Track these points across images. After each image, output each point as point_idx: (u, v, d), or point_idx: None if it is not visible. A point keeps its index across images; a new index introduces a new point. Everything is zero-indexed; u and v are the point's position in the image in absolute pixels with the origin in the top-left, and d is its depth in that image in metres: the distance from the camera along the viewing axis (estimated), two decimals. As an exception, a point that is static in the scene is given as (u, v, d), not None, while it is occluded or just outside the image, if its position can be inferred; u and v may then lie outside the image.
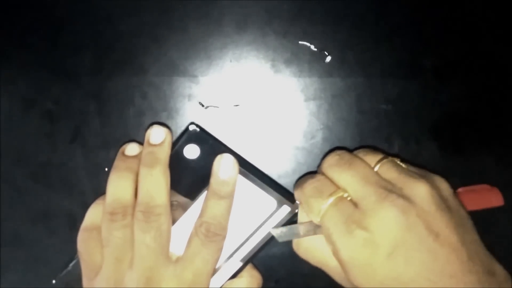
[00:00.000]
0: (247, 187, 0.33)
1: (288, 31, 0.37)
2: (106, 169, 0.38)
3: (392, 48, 0.37)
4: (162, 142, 0.32)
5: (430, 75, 0.37)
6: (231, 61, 0.37)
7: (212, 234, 0.31)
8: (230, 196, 0.32)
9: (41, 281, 0.39)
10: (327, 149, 0.38)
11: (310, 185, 0.30)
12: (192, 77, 0.37)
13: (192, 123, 0.36)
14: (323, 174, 0.31)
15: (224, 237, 0.32)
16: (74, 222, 0.38)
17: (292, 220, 0.33)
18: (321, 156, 0.38)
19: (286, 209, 0.33)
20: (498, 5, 0.37)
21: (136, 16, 0.37)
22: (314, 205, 0.29)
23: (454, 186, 0.38)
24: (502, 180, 0.38)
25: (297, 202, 0.33)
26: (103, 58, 0.37)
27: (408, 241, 0.26)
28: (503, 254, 0.38)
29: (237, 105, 0.38)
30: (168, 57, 0.37)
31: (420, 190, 0.28)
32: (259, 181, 0.33)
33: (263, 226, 0.33)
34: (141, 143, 0.38)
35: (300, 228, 0.31)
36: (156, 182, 0.31)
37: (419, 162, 0.37)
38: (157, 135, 0.32)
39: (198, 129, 0.32)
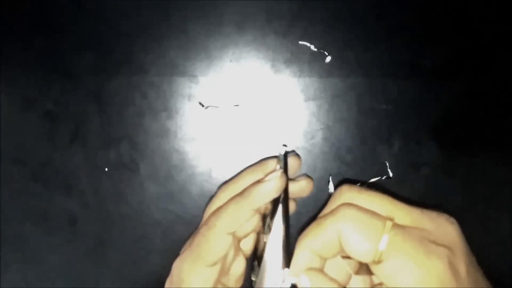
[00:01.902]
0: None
1: (288, 31, 0.37)
2: (106, 169, 0.38)
3: (392, 48, 0.37)
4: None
5: (430, 75, 0.37)
6: (231, 61, 0.37)
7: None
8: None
9: (41, 281, 0.39)
10: (327, 149, 0.38)
11: (352, 217, 0.25)
12: (192, 77, 0.37)
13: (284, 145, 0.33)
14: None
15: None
16: (74, 222, 0.38)
17: None
18: (321, 156, 0.38)
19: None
20: (498, 5, 0.37)
21: (136, 16, 0.37)
22: (370, 236, 0.24)
23: (455, 187, 0.38)
24: (502, 180, 0.38)
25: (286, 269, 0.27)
26: (103, 58, 0.37)
27: (473, 261, 0.25)
28: (502, 254, 0.38)
29: (237, 105, 0.37)
30: (168, 57, 0.37)
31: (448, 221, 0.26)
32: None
33: None
34: (141, 143, 0.38)
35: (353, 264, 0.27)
36: None
37: (419, 162, 0.38)
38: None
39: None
